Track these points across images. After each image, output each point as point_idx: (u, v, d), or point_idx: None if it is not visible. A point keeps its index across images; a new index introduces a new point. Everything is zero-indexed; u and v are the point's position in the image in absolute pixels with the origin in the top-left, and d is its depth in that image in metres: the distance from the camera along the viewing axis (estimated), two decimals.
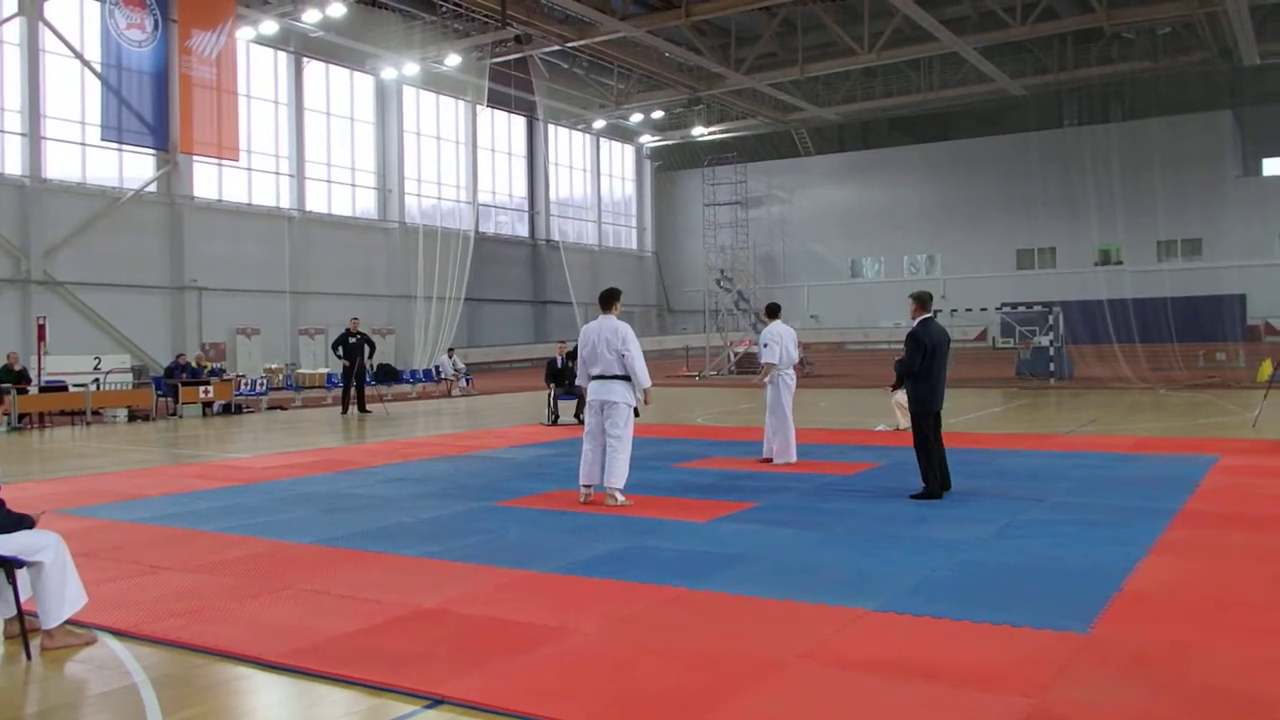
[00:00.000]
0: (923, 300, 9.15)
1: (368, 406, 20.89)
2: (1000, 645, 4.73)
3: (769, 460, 11.39)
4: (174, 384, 20.83)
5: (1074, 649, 4.64)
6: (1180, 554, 6.59)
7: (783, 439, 11.36)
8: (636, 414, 8.97)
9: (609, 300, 9.05)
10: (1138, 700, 4.00)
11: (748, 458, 11.86)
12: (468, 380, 27.83)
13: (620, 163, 50.68)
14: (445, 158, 39.21)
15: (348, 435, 16.64)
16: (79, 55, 26.31)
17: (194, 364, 22.32)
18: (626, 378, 8.83)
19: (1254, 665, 4.43)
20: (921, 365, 8.88)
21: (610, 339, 8.77)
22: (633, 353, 8.77)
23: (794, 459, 11.28)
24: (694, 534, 7.53)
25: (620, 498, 8.70)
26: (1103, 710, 3.90)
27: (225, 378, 22.43)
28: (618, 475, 8.74)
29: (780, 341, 11.45)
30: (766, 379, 11.52)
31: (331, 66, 33.91)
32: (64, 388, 20.03)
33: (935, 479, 8.85)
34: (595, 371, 8.88)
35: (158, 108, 27.10)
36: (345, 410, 20.63)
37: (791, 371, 11.62)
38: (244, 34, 29.57)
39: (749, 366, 32.16)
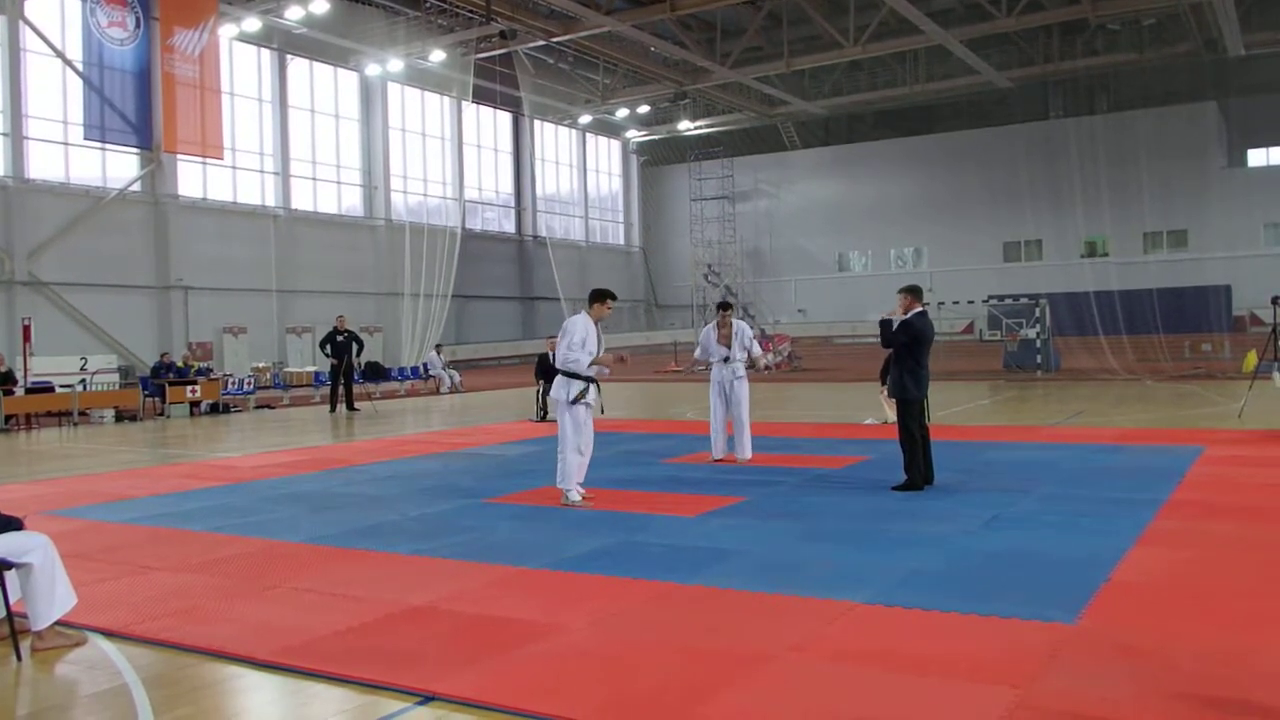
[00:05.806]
0: (916, 293, 9.05)
1: (356, 404, 20.85)
2: (988, 636, 4.77)
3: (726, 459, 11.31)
4: (161, 384, 20.74)
5: (1061, 639, 4.67)
6: (1167, 544, 6.64)
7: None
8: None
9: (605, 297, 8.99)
10: (1124, 690, 4.03)
11: (735, 454, 11.86)
12: (453, 379, 27.74)
13: (606, 158, 50.57)
14: (431, 154, 39.04)
15: (336, 433, 16.60)
16: (61, 54, 26.10)
17: (180, 363, 22.23)
18: None
19: (1240, 654, 4.46)
20: (910, 349, 8.88)
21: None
22: None
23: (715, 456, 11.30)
24: (683, 529, 7.55)
25: None
26: (1090, 700, 3.93)
27: (212, 377, 22.36)
28: None
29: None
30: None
31: (315, 63, 33.72)
32: (50, 389, 19.92)
33: (917, 471, 8.88)
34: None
35: (141, 106, 26.94)
36: (333, 408, 20.59)
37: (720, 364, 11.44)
38: (226, 31, 29.39)
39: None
